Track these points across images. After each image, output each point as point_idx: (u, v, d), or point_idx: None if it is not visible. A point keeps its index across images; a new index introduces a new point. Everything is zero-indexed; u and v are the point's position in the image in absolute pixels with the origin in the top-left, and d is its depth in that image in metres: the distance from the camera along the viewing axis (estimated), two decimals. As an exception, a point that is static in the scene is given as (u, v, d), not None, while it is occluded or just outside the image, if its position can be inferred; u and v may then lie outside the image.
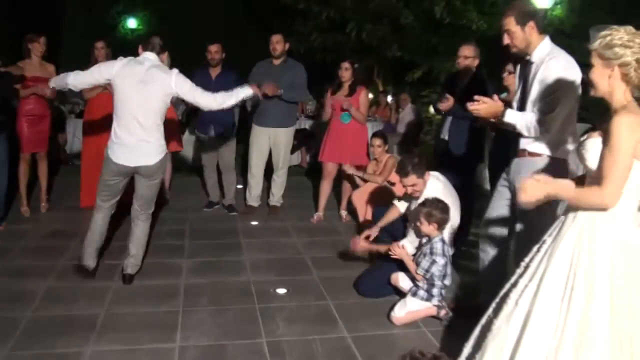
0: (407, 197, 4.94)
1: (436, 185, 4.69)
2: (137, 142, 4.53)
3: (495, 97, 3.79)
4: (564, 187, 2.70)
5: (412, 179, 4.64)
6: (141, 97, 4.47)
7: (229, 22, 17.28)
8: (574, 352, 2.50)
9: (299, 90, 6.82)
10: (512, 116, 3.76)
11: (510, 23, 3.75)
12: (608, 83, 2.61)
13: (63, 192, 7.55)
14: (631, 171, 2.55)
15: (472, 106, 3.76)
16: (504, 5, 9.61)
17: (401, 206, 5.11)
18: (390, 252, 4.42)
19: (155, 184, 4.75)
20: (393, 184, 5.45)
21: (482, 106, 3.73)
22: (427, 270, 4.23)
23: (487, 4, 10.57)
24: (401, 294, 4.44)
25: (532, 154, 3.78)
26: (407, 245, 4.58)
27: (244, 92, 4.86)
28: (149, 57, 4.62)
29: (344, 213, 7.00)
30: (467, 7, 10.47)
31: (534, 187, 2.66)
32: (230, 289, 4.77)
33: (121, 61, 4.57)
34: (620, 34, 2.55)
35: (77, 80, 4.68)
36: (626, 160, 2.50)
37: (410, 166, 4.63)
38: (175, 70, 4.59)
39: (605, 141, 2.56)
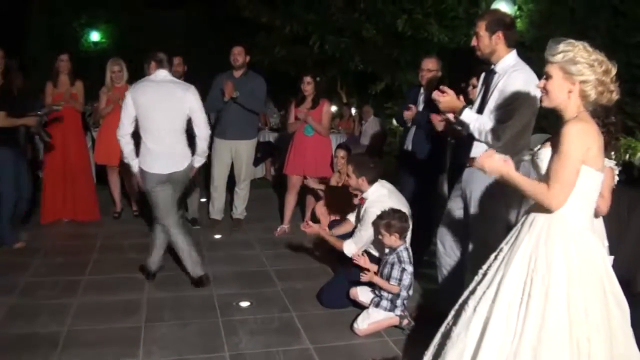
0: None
1: (381, 191, 4.74)
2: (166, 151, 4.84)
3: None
4: (519, 175, 2.76)
5: (350, 171, 4.78)
6: (161, 113, 4.78)
7: (192, 36, 17.24)
8: (532, 356, 2.56)
9: (258, 101, 6.83)
10: (468, 115, 3.86)
11: (481, 27, 3.85)
12: (567, 96, 2.68)
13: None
14: (584, 178, 2.63)
15: (436, 95, 3.87)
16: (465, 19, 9.86)
17: (354, 220, 5.17)
18: (361, 277, 4.40)
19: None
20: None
21: (445, 98, 3.84)
22: (400, 280, 4.26)
23: (448, 17, 10.70)
24: (361, 308, 4.46)
25: None
26: (350, 244, 4.66)
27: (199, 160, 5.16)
28: (161, 73, 4.91)
29: (308, 225, 7.01)
30: (428, 20, 10.59)
31: (495, 161, 2.74)
32: (193, 302, 4.75)
33: (132, 88, 4.88)
34: (581, 52, 2.62)
35: (126, 130, 4.85)
36: (575, 166, 2.58)
37: (356, 163, 4.77)
38: (192, 87, 4.96)
39: (556, 147, 2.63)
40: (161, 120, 4.80)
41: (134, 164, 4.94)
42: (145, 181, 4.91)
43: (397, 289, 4.27)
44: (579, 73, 2.62)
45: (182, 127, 4.91)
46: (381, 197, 4.66)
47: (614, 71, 2.65)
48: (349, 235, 4.92)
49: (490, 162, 2.75)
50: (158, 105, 4.77)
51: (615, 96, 2.68)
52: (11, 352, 3.85)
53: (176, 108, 4.84)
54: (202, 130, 4.99)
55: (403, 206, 4.66)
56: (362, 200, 4.82)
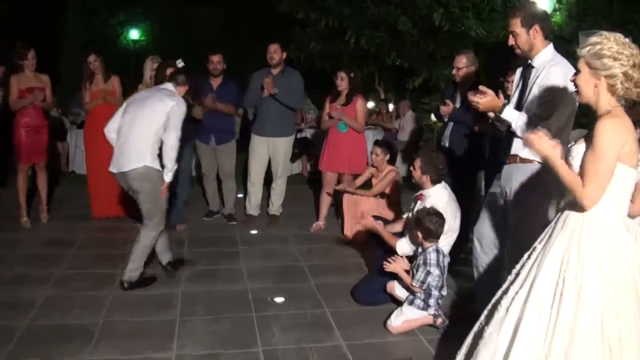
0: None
1: (442, 195, 4.69)
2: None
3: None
4: (563, 163, 2.68)
5: (417, 165, 4.72)
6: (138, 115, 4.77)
7: (228, 31, 17.33)
8: (563, 357, 2.52)
9: (296, 97, 6.83)
10: (509, 113, 3.77)
11: (516, 24, 3.77)
12: (594, 92, 2.62)
13: (63, 202, 7.58)
14: (619, 176, 2.58)
15: (473, 97, 3.77)
16: (503, 12, 9.71)
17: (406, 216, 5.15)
18: (384, 264, 4.40)
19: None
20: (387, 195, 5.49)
21: (484, 99, 3.74)
22: (422, 282, 4.22)
23: (485, 10, 10.55)
24: (397, 302, 4.44)
25: (523, 160, 3.79)
26: (404, 244, 4.63)
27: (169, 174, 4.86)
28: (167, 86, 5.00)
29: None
30: (465, 14, 10.45)
31: (545, 143, 2.66)
32: (227, 297, 4.77)
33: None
34: (610, 44, 2.56)
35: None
36: (610, 164, 2.53)
37: (425, 161, 4.69)
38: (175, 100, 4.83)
39: (589, 144, 2.57)
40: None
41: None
42: None
43: (419, 290, 4.23)
44: (603, 67, 2.56)
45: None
46: (441, 201, 4.61)
47: None
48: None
49: (540, 143, 2.68)
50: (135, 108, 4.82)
51: None
52: (45, 343, 3.90)
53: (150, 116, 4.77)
54: (172, 144, 4.78)
55: (454, 217, 4.64)
56: (421, 196, 4.76)
